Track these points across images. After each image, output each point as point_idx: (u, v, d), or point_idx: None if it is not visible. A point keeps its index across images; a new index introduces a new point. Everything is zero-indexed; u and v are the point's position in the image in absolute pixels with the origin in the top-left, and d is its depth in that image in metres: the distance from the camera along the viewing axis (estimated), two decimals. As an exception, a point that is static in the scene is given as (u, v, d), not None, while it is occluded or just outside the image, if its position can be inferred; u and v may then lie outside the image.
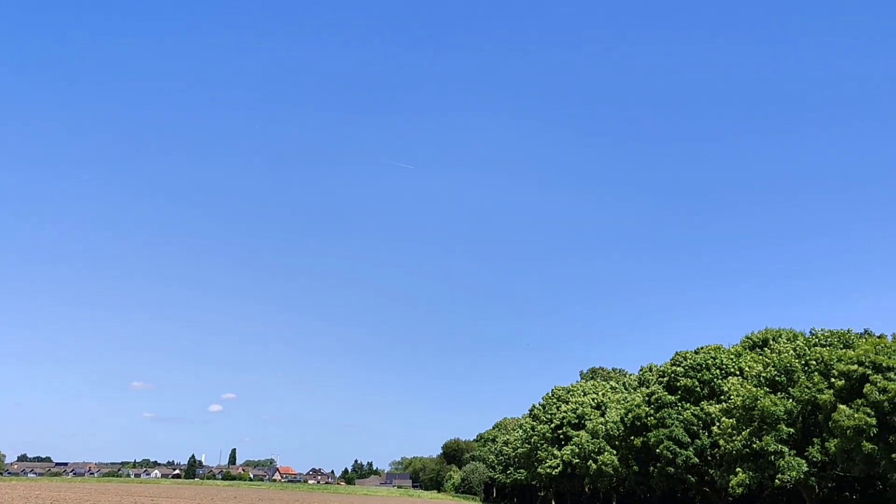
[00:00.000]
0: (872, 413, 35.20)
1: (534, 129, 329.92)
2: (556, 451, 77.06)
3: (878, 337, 49.92)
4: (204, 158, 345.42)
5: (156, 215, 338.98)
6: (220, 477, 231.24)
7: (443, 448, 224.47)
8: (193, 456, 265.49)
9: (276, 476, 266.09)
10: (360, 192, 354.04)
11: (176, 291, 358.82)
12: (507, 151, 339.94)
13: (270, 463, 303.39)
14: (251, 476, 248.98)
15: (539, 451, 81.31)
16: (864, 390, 36.02)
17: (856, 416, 35.57)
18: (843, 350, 45.21)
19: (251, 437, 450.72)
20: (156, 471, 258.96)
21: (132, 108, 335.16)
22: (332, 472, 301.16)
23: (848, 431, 36.00)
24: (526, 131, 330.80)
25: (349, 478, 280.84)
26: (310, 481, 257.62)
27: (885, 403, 34.64)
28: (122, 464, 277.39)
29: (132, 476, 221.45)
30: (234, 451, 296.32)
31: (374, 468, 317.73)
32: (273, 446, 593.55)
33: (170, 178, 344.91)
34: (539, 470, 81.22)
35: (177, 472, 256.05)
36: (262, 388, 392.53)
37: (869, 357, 38.07)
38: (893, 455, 33.66)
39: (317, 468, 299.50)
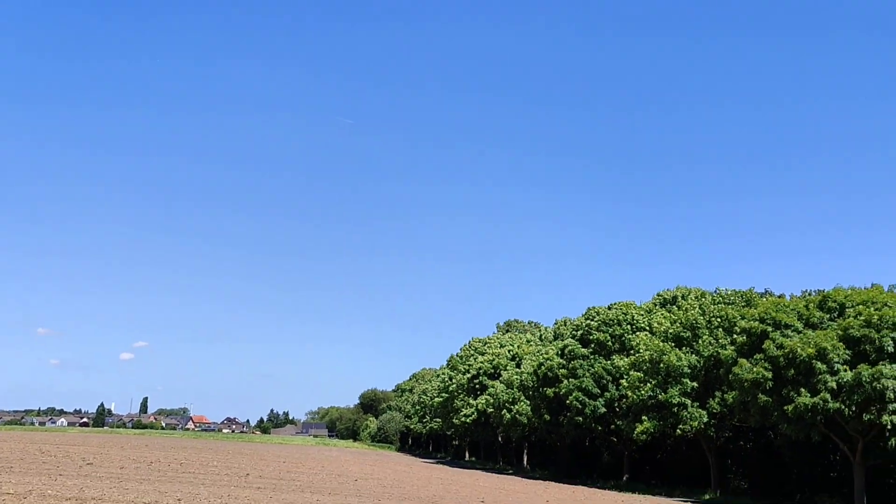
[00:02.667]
0: (769, 367, 37.20)
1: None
2: (471, 401, 78.72)
3: (778, 296, 52.66)
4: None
5: (56, 147, 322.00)
6: (131, 425, 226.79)
7: (360, 398, 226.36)
8: (102, 404, 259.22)
9: (190, 425, 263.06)
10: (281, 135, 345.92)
11: (84, 234, 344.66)
12: (423, 112, 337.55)
13: (183, 412, 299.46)
14: (163, 425, 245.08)
15: (456, 401, 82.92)
16: (763, 346, 38.00)
17: (755, 369, 37.55)
18: (746, 308, 47.51)
19: (164, 386, 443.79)
20: (62, 419, 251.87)
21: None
22: (248, 421, 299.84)
23: (746, 384, 37.98)
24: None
25: (265, 427, 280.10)
26: (224, 430, 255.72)
27: (781, 358, 36.63)
28: (27, 412, 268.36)
29: (37, 424, 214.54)
30: (145, 399, 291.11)
31: (291, 418, 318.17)
32: (186, 395, 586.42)
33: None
34: (455, 419, 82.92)
35: (84, 420, 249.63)
36: (176, 336, 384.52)
37: (769, 314, 40.09)
38: (786, 407, 35.71)
39: (231, 417, 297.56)
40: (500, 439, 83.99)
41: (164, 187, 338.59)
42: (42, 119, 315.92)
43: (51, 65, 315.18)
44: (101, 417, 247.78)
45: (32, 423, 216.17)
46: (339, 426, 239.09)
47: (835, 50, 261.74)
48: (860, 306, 37.42)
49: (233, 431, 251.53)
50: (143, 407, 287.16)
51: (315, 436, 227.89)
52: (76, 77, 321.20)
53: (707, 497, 44.73)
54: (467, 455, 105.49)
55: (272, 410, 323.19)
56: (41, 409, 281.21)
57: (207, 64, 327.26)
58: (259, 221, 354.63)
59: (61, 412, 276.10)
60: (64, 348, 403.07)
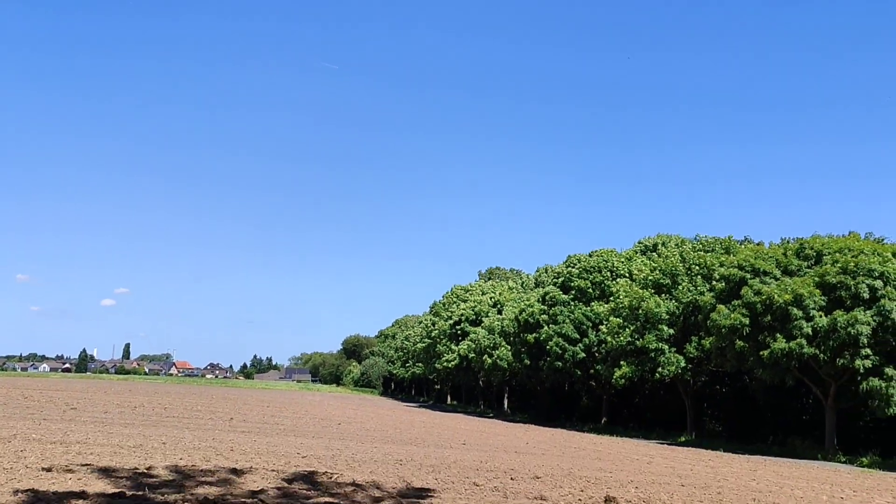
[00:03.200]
0: (747, 314, 37.78)
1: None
2: (453, 347, 79.57)
3: (757, 244, 53.19)
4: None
5: (37, 89, 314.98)
6: (114, 371, 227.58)
7: (343, 344, 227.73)
8: (84, 350, 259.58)
9: (173, 371, 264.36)
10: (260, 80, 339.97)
11: (63, 178, 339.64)
12: (389, 54, 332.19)
13: (166, 358, 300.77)
14: (146, 371, 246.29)
15: (438, 346, 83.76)
16: (741, 292, 38.53)
17: (732, 315, 38.13)
18: (725, 255, 47.99)
19: (146, 333, 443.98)
20: (44, 364, 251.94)
21: None
22: (231, 366, 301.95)
23: (723, 330, 38.60)
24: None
25: (248, 373, 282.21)
26: (207, 376, 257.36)
27: (759, 305, 37.20)
28: (8, 357, 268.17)
29: (18, 370, 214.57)
30: (127, 345, 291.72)
31: (274, 363, 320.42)
32: (169, 341, 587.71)
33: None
34: (437, 364, 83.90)
35: (66, 366, 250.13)
36: (157, 282, 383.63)
37: (748, 262, 40.56)
38: (762, 352, 36.40)
39: (215, 363, 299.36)
40: (481, 384, 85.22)
41: (146, 129, 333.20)
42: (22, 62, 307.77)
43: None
44: (84, 363, 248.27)
45: (14, 369, 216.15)
46: (322, 371, 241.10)
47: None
48: (837, 254, 37.93)
49: (216, 377, 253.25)
50: (126, 353, 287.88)
51: (298, 381, 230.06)
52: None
53: (682, 439, 45.84)
54: (449, 399, 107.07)
55: (255, 356, 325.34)
56: (23, 354, 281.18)
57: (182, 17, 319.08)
58: (241, 165, 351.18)
59: (43, 358, 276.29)
60: (44, 295, 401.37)
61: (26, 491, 10.33)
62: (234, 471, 14.02)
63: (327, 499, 11.54)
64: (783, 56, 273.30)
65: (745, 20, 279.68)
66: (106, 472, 12.56)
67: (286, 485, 12.74)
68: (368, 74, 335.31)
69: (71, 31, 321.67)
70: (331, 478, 14.05)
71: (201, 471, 13.66)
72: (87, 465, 13.44)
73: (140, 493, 10.79)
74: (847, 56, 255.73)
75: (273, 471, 14.49)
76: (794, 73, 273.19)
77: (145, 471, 13.19)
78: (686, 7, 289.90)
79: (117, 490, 10.88)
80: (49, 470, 12.53)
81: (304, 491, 12.19)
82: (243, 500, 10.82)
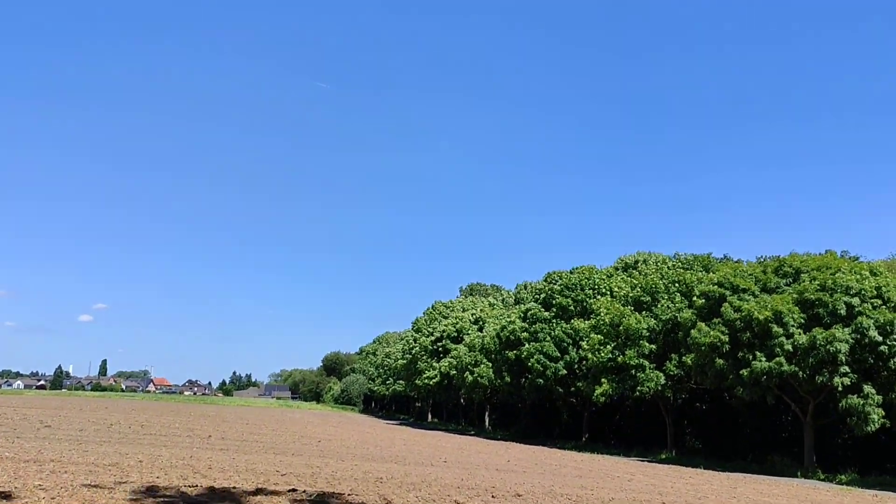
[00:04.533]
0: (727, 331, 38.01)
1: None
2: (434, 364, 79.29)
3: (736, 262, 53.68)
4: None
5: (20, 109, 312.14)
6: (90, 388, 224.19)
7: (323, 361, 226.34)
8: (60, 367, 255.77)
9: (151, 387, 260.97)
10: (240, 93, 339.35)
11: (43, 194, 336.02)
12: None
13: (144, 374, 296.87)
14: (123, 387, 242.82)
15: (419, 363, 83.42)
16: (721, 310, 38.77)
17: (711, 333, 38.33)
18: (704, 273, 48.36)
19: (124, 349, 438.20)
20: (18, 381, 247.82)
21: None
22: (210, 383, 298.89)
23: (703, 348, 38.79)
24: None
25: (227, 389, 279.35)
26: (186, 393, 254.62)
27: (738, 322, 37.45)
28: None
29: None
30: (104, 361, 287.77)
31: (253, 380, 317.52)
32: (147, 358, 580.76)
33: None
34: (418, 381, 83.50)
35: (42, 383, 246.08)
36: (136, 298, 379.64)
37: (728, 279, 40.88)
38: (742, 371, 36.59)
39: (193, 380, 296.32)
40: (462, 401, 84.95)
41: (126, 147, 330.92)
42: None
43: None
44: (59, 380, 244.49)
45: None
46: (302, 389, 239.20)
47: (794, 18, 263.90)
48: (815, 271, 38.36)
49: (195, 394, 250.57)
50: (103, 369, 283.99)
51: (278, 398, 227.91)
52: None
53: (663, 456, 45.89)
54: (430, 417, 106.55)
55: (235, 373, 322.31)
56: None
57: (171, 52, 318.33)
58: (219, 184, 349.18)
59: (17, 375, 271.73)
60: (21, 310, 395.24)
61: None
62: (213, 490, 13.82)
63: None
64: (758, 77, 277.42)
65: (721, 42, 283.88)
66: (87, 487, 12.33)
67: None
68: (355, 88, 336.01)
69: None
70: (341, 499, 13.89)
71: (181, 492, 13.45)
72: (61, 484, 13.18)
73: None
74: (827, 73, 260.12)
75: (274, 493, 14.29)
76: (770, 93, 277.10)
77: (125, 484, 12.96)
78: (662, 30, 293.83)
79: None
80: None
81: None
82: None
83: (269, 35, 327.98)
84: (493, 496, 16.47)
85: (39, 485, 12.80)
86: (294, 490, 14.52)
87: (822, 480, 34.43)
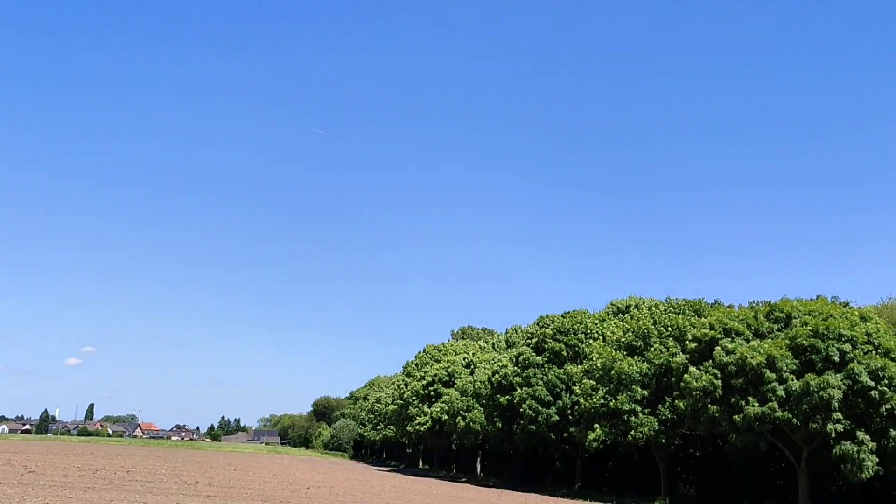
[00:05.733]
0: (719, 375, 37.90)
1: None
2: (426, 409, 78.52)
3: (728, 307, 53.79)
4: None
5: None
6: (76, 433, 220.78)
7: (313, 406, 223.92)
8: (46, 411, 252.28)
9: (138, 432, 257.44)
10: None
11: (29, 236, 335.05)
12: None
13: (131, 419, 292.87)
14: (110, 432, 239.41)
15: (410, 408, 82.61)
16: (713, 353, 38.72)
17: (703, 377, 38.21)
18: (696, 318, 48.38)
19: (111, 393, 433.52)
20: (3, 426, 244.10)
21: None
22: (198, 428, 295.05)
23: (696, 392, 38.64)
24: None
25: (215, 434, 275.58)
26: (173, 437, 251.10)
27: (731, 366, 37.37)
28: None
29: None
30: (91, 406, 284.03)
31: (242, 425, 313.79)
32: (135, 402, 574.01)
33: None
34: (409, 427, 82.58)
35: (27, 427, 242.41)
36: (124, 342, 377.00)
37: (720, 322, 40.93)
38: (735, 417, 36.41)
39: (181, 425, 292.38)
40: (454, 447, 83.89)
41: (116, 173, 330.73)
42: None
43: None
44: (45, 424, 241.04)
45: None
46: (291, 434, 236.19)
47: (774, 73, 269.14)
48: (807, 316, 38.45)
49: (182, 439, 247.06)
50: (90, 413, 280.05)
51: (267, 443, 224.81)
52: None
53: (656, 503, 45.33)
54: (421, 463, 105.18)
55: (223, 417, 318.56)
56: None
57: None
58: (207, 231, 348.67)
59: (2, 419, 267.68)
60: (6, 353, 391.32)
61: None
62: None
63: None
64: (738, 138, 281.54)
65: (717, 82, 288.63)
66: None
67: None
68: (351, 139, 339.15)
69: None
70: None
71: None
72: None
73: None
74: (812, 131, 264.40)
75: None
76: (752, 151, 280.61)
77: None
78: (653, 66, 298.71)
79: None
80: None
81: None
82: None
83: (269, 84, 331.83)
84: (484, 545, 16.20)
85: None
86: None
87: (818, 529, 34.01)
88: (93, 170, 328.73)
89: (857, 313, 38.54)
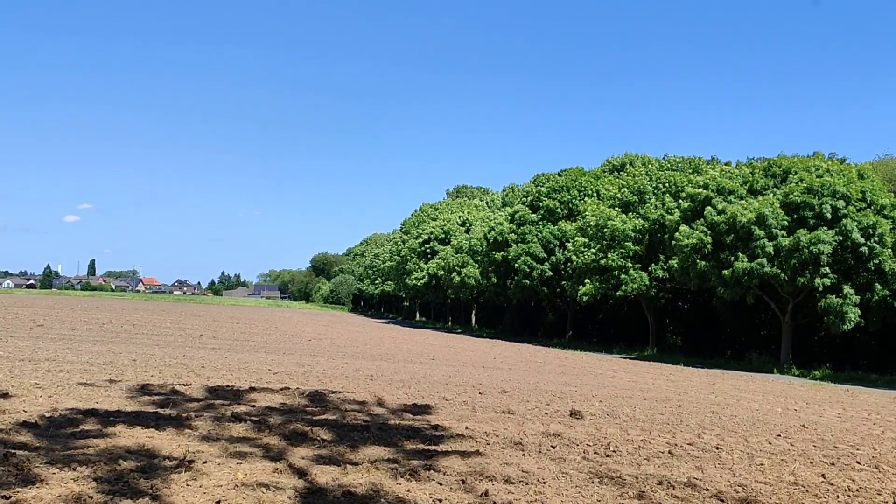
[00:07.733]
0: (709, 233, 38.36)
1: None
2: (422, 265, 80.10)
3: (724, 164, 53.63)
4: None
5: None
6: (80, 287, 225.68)
7: (311, 261, 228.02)
8: (49, 266, 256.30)
9: (140, 287, 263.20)
10: None
11: (25, 93, 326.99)
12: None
13: (133, 274, 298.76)
14: (113, 287, 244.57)
15: (408, 264, 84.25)
16: (705, 212, 39.01)
17: (694, 234, 38.70)
18: (693, 175, 48.31)
19: (112, 249, 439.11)
20: (7, 281, 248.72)
21: None
22: (199, 283, 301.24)
23: (686, 249, 39.24)
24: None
25: (216, 289, 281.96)
26: (175, 292, 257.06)
27: (722, 224, 37.76)
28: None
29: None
30: (93, 261, 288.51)
31: (242, 280, 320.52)
32: (135, 258, 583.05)
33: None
34: (407, 281, 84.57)
35: (31, 282, 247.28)
36: (122, 198, 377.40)
37: (714, 181, 40.92)
38: (724, 272, 37.16)
39: (182, 280, 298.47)
40: (449, 301, 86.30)
41: (109, 45, 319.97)
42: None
43: None
44: (49, 279, 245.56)
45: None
46: (291, 288, 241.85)
47: None
48: (804, 172, 38.39)
49: (184, 293, 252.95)
50: (91, 269, 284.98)
51: (267, 297, 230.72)
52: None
53: (645, 353, 47.21)
54: (418, 316, 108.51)
55: (223, 273, 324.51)
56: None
57: None
58: (205, 83, 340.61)
59: (6, 274, 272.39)
60: (5, 210, 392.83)
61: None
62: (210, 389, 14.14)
63: (328, 415, 11.73)
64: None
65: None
66: (83, 384, 12.61)
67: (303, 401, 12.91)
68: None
69: None
70: (337, 395, 14.27)
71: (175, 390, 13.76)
72: (57, 382, 13.45)
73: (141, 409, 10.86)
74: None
75: (278, 390, 14.65)
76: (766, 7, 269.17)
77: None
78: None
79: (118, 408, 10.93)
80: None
81: (311, 408, 12.37)
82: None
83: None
84: (480, 392, 16.98)
85: (36, 383, 13.04)
86: (287, 388, 14.89)
87: (798, 376, 35.65)
88: (86, 27, 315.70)
89: (854, 170, 38.47)
